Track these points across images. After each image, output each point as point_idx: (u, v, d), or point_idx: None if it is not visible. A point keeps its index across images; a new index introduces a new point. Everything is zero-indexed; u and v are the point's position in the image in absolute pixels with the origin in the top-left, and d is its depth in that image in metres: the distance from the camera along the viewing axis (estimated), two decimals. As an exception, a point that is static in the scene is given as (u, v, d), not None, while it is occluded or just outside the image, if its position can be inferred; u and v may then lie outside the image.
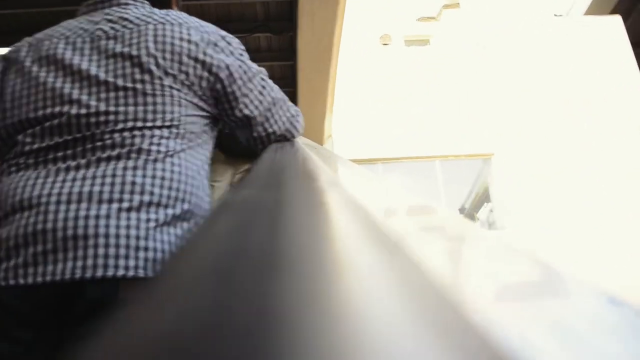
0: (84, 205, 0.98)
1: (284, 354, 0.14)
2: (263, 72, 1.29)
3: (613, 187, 10.11)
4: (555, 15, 13.11)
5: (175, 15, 1.21)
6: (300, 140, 1.38)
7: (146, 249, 0.98)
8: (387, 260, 0.24)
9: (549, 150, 10.52)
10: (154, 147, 1.06)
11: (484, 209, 11.60)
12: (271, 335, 0.15)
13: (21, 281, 0.94)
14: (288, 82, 7.84)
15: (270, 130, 1.28)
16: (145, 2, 1.25)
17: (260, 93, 1.25)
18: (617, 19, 11.62)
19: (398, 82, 11.59)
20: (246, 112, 1.23)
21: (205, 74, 1.16)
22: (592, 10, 12.23)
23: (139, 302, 0.21)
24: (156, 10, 1.22)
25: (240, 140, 1.37)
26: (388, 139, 11.08)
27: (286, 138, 1.33)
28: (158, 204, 1.02)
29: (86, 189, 1.00)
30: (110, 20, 1.18)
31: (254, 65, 1.27)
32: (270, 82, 1.30)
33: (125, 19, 1.17)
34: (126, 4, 1.23)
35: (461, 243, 0.33)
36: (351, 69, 11.01)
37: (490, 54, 11.37)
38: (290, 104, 1.34)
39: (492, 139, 10.79)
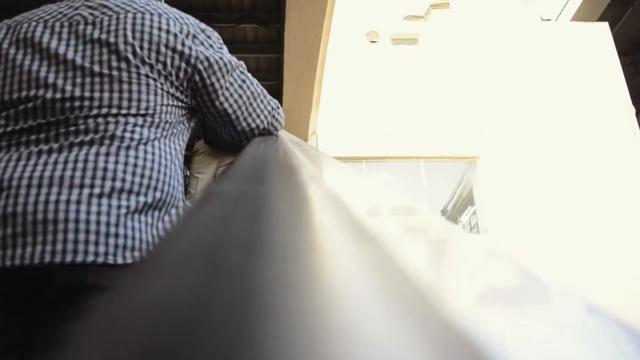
0: (54, 189, 0.98)
1: (266, 336, 0.15)
2: (242, 65, 1.29)
3: (599, 192, 10.19)
4: (543, 19, 13.18)
5: (156, 5, 1.20)
6: (285, 136, 1.38)
7: (116, 235, 0.98)
8: (364, 251, 0.25)
9: (534, 155, 10.56)
10: (127, 134, 1.06)
11: (467, 212, 11.60)
12: (254, 318, 0.15)
13: None
14: (273, 75, 7.75)
15: (253, 125, 1.29)
16: None
17: (240, 87, 1.25)
18: (604, 26, 11.73)
19: (385, 81, 11.55)
20: (226, 105, 1.23)
21: (183, 65, 1.16)
22: (580, 16, 12.38)
23: (123, 286, 0.22)
24: None
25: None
26: (373, 138, 11.00)
27: (269, 132, 1.34)
28: (130, 191, 1.02)
29: (57, 173, 0.99)
30: (89, 7, 1.18)
31: (233, 59, 1.26)
32: (249, 75, 1.29)
33: (105, 6, 1.17)
34: None
35: (443, 245, 0.33)
36: (337, 65, 10.95)
37: (478, 56, 11.39)
38: (270, 97, 1.34)
39: (478, 141, 10.78)
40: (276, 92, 8.07)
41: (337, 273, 0.21)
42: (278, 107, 1.37)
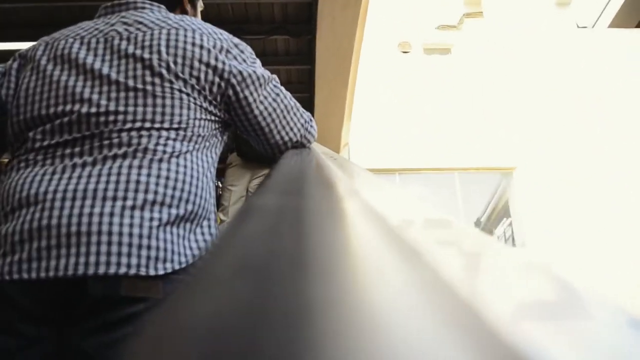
0: (88, 202, 1.00)
1: (314, 348, 0.16)
2: (275, 79, 1.31)
3: None
4: (579, 26, 12.92)
5: (190, 21, 1.23)
6: (319, 149, 1.39)
7: (149, 247, 1.00)
8: (405, 265, 0.26)
9: (571, 166, 10.32)
10: (160, 148, 1.09)
11: (502, 224, 11.38)
12: (307, 328, 0.17)
13: (25, 276, 0.96)
14: (305, 86, 7.75)
15: (286, 138, 1.31)
16: (162, 6, 1.29)
17: (274, 100, 1.27)
18: (644, 32, 11.40)
19: (418, 91, 11.47)
20: (259, 118, 1.26)
21: (217, 79, 1.19)
22: (618, 23, 12.06)
23: (177, 300, 0.23)
24: (171, 15, 1.26)
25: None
26: (406, 149, 10.92)
27: (302, 145, 1.36)
28: (162, 203, 1.05)
29: (91, 186, 1.02)
30: (125, 23, 1.21)
31: (266, 72, 1.28)
32: (282, 89, 1.31)
33: (140, 22, 1.21)
34: (142, 7, 1.27)
35: (479, 259, 0.33)
36: (369, 76, 10.90)
37: (513, 65, 11.21)
38: (302, 110, 1.36)
39: (514, 152, 10.57)
40: (308, 104, 8.06)
41: (380, 285, 0.22)
42: (311, 120, 1.39)
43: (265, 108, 1.25)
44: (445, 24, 13.26)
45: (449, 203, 10.58)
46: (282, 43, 7.11)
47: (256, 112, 1.24)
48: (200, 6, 1.48)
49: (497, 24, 11.89)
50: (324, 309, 0.18)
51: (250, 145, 1.42)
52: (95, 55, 1.17)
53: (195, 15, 1.45)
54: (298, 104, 1.35)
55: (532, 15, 12.02)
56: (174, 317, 0.20)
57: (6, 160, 1.21)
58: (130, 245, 0.99)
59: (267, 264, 0.23)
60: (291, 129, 1.31)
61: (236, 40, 1.27)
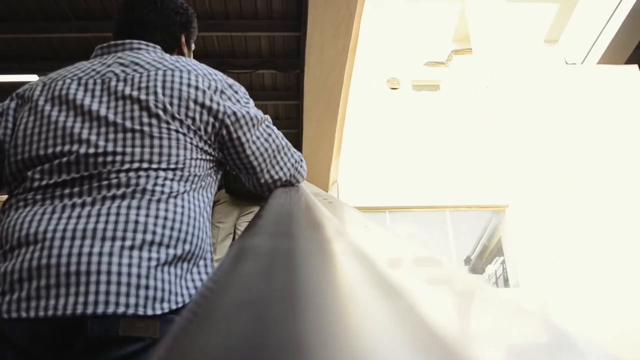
0: (87, 242, 1.03)
1: None
2: (268, 119, 1.36)
3: (636, 245, 9.66)
4: (568, 63, 13.01)
5: (185, 62, 1.27)
6: (309, 189, 1.42)
7: (147, 287, 1.02)
8: (390, 304, 0.28)
9: (565, 204, 10.21)
10: (158, 188, 1.12)
11: (494, 262, 11.16)
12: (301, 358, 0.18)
13: (24, 315, 0.98)
14: (292, 122, 7.61)
15: (276, 177, 1.35)
16: (157, 47, 1.34)
17: (266, 140, 1.31)
18: (634, 69, 11.46)
19: (407, 128, 11.48)
20: (252, 158, 1.30)
21: (212, 119, 1.22)
22: (607, 60, 12.22)
23: (176, 339, 0.25)
24: (167, 55, 1.30)
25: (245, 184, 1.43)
26: (396, 187, 10.82)
27: (291, 183, 1.40)
28: (160, 244, 1.08)
29: (90, 225, 1.05)
30: (121, 64, 1.25)
31: (260, 113, 1.32)
32: (275, 129, 1.36)
33: (137, 64, 1.24)
34: (139, 48, 1.31)
35: (469, 299, 0.33)
36: (358, 113, 10.83)
37: (502, 101, 11.16)
38: (294, 150, 1.40)
39: (506, 190, 10.47)
40: (295, 140, 7.88)
41: (366, 323, 0.24)
42: (301, 160, 1.43)
43: (258, 148, 1.29)
44: (434, 60, 13.29)
45: (440, 241, 10.44)
46: (269, 77, 6.95)
47: (248, 151, 1.28)
48: (192, 46, 1.53)
49: (484, 60, 11.88)
50: (315, 345, 0.20)
51: (239, 182, 1.46)
52: (93, 96, 1.20)
53: (190, 55, 1.49)
54: (289, 144, 1.39)
55: (521, 51, 12.09)
56: (180, 349, 0.22)
57: (3, 198, 1.23)
58: (129, 285, 1.01)
59: (262, 302, 0.26)
60: (281, 168, 1.34)
61: (230, 80, 1.32)
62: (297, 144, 7.79)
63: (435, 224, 10.84)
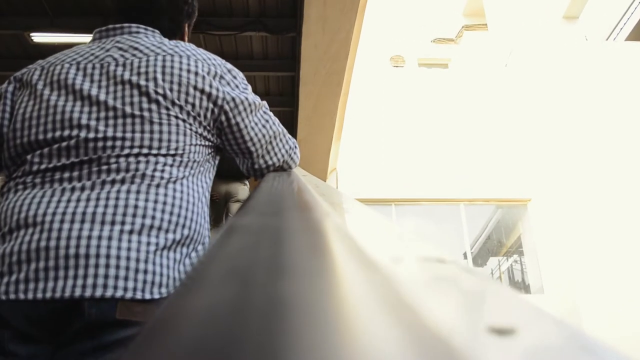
0: (86, 225, 1.07)
1: (288, 340, 0.19)
2: (265, 105, 1.42)
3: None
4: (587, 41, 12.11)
5: (184, 46, 1.32)
6: (300, 173, 1.47)
7: (145, 271, 1.06)
8: (370, 278, 0.30)
9: (599, 197, 9.18)
10: (157, 173, 1.17)
11: (512, 264, 10.24)
12: (279, 320, 0.21)
13: (21, 296, 1.03)
14: (286, 99, 6.61)
15: (270, 162, 1.42)
16: (156, 31, 1.38)
17: (264, 126, 1.38)
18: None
19: (413, 112, 10.54)
20: (249, 144, 1.36)
21: (211, 105, 1.27)
22: (634, 37, 11.31)
23: (171, 300, 0.28)
24: (166, 40, 1.35)
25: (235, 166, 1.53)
26: (403, 177, 9.95)
27: (283, 169, 1.46)
28: (159, 228, 1.12)
29: (90, 209, 1.10)
30: (120, 48, 1.30)
31: (257, 98, 1.38)
32: (272, 115, 1.43)
33: (135, 48, 1.29)
34: (137, 32, 1.36)
35: (476, 298, 0.33)
36: (362, 95, 9.84)
37: (525, 81, 10.17)
38: (289, 136, 1.47)
39: (529, 181, 9.48)
40: (290, 120, 6.85)
41: (349, 291, 0.27)
42: (296, 147, 1.50)
43: (256, 134, 1.35)
44: (442, 37, 12.34)
45: (455, 238, 9.60)
46: (259, 42, 5.90)
47: (247, 137, 1.34)
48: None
49: (504, 37, 10.86)
50: (297, 307, 0.23)
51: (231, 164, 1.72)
52: (92, 81, 1.24)
53: (189, 38, 1.54)
54: (285, 131, 1.45)
55: (542, 27, 11.07)
56: (173, 308, 0.24)
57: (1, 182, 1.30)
58: (127, 269, 1.05)
59: (248, 270, 0.28)
60: (275, 154, 1.41)
61: (229, 65, 1.37)
62: (292, 125, 6.76)
63: (446, 219, 10.10)
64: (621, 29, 12.09)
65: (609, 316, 8.31)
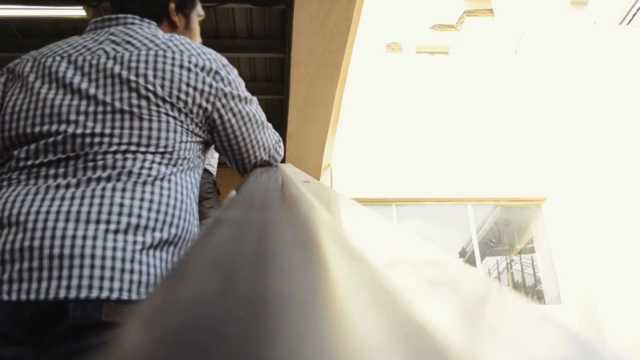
0: (71, 224, 1.08)
1: (270, 330, 0.19)
2: (255, 100, 1.44)
3: None
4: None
5: (178, 40, 1.32)
6: (290, 170, 1.47)
7: (131, 271, 1.07)
8: (356, 270, 0.30)
9: (625, 197, 8.49)
10: (144, 171, 1.17)
11: (524, 267, 9.66)
12: (262, 312, 0.21)
13: (5, 297, 1.03)
14: (275, 85, 5.81)
15: (259, 157, 1.43)
16: (152, 22, 1.39)
17: (255, 122, 1.39)
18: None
19: (416, 104, 10.16)
20: (239, 139, 1.37)
21: (204, 102, 1.28)
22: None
23: (155, 292, 0.30)
24: (160, 33, 1.35)
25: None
26: (404, 176, 9.47)
27: (269, 164, 1.48)
28: (145, 227, 1.12)
29: (74, 208, 1.10)
30: (113, 41, 1.31)
31: (248, 94, 1.40)
32: (260, 109, 1.45)
33: (128, 42, 1.29)
34: (132, 23, 1.36)
35: (479, 304, 0.32)
36: (359, 85, 9.24)
37: (537, 69, 9.62)
38: (273, 130, 1.50)
39: (544, 179, 9.00)
40: (279, 110, 6.08)
41: (334, 284, 0.26)
42: (280, 140, 1.53)
43: (247, 130, 1.36)
44: (442, 23, 11.76)
45: (462, 241, 9.39)
46: (242, 16, 5.12)
47: (237, 132, 1.35)
48: (198, 15, 1.56)
49: (511, 22, 10.30)
50: (282, 301, 0.23)
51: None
52: (82, 74, 1.24)
53: (188, 26, 1.53)
54: (269, 125, 1.47)
55: (552, 12, 10.51)
56: (156, 301, 0.24)
57: None
58: (112, 269, 1.05)
59: (232, 262, 0.29)
60: (265, 149, 1.42)
61: (224, 60, 1.37)
62: (281, 116, 5.98)
63: (451, 220, 9.67)
64: (634, 15, 11.72)
65: (633, 324, 7.84)
